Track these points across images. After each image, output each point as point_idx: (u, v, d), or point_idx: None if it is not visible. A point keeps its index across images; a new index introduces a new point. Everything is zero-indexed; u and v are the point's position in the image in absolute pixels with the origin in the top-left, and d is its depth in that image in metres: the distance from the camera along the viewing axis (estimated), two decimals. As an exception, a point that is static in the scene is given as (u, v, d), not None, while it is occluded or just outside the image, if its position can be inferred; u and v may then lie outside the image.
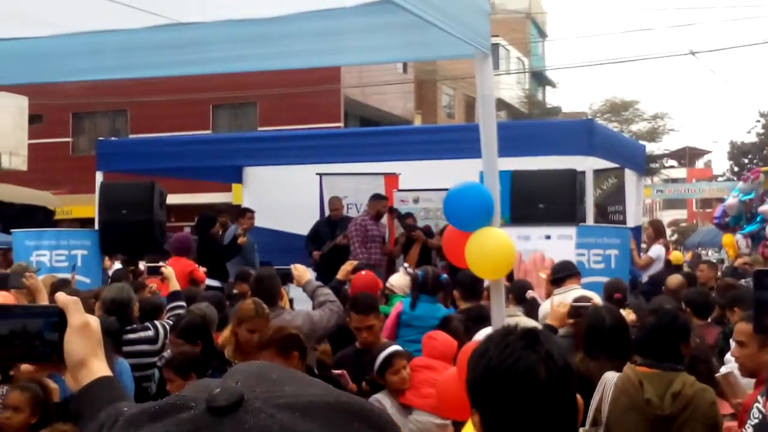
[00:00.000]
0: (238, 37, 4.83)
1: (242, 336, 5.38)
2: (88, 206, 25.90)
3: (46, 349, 1.66)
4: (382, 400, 5.33)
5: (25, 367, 1.65)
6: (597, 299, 6.44)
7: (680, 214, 72.14)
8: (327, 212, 12.70)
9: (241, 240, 11.60)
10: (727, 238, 12.72)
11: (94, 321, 1.69)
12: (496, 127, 4.35)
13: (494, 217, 4.25)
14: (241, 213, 12.42)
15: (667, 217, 61.64)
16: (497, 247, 4.14)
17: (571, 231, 8.91)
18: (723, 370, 4.67)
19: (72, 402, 1.67)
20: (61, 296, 1.69)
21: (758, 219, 12.26)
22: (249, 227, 11.98)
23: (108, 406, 1.60)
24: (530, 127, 12.19)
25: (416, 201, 12.87)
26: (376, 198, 11.87)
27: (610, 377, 4.08)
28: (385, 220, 12.18)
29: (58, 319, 1.65)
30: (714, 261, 23.81)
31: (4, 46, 5.03)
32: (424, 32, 4.27)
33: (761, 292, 3.33)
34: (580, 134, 9.65)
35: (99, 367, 1.67)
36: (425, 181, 12.58)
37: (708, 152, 78.92)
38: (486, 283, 7.27)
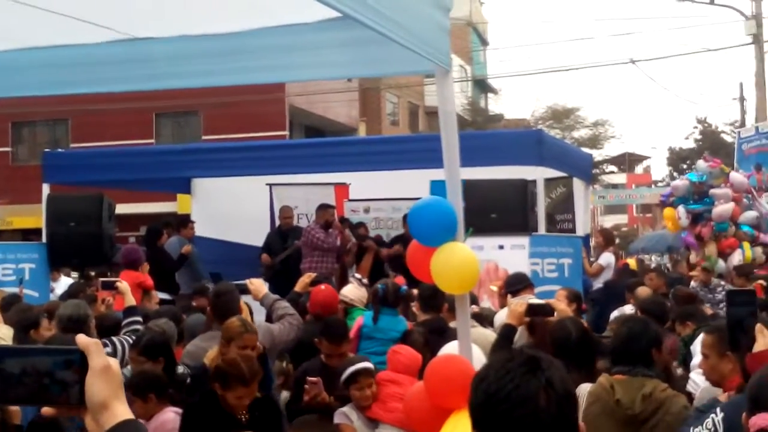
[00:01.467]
0: (195, 52, 4.80)
1: (234, 354, 5.28)
2: (29, 217, 25.64)
3: (56, 387, 1.63)
4: (348, 413, 5.35)
5: (45, 410, 1.63)
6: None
7: (621, 219, 73.13)
8: (278, 222, 12.67)
9: (185, 249, 11.55)
10: (668, 211, 12.86)
11: (114, 363, 1.67)
12: (458, 142, 4.39)
13: (458, 232, 4.29)
14: (182, 223, 12.39)
15: (608, 222, 62.44)
16: (463, 262, 4.18)
17: (524, 241, 9.01)
18: (695, 378, 4.79)
19: None
20: (82, 338, 1.67)
21: (707, 201, 12.45)
22: (191, 237, 11.98)
23: None
24: (481, 137, 12.31)
25: (367, 211, 12.91)
26: (322, 208, 11.90)
27: (584, 388, 4.15)
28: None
29: (78, 360, 1.64)
30: (658, 266, 24.25)
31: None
32: (383, 48, 4.29)
33: (734, 310, 3.43)
34: (530, 144, 9.77)
35: (121, 410, 1.65)
36: (375, 191, 12.65)
37: (647, 158, 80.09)
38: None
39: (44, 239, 10.99)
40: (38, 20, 4.52)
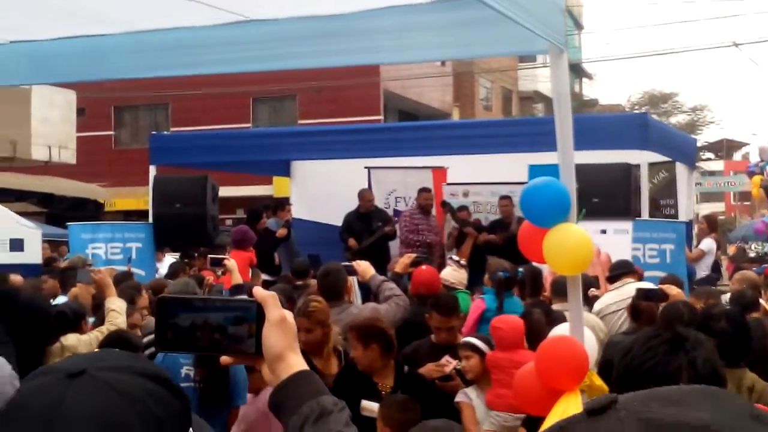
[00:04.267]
0: (309, 33, 4.84)
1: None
2: (132, 198, 26.32)
3: (229, 342, 1.69)
4: (469, 392, 5.41)
5: (224, 359, 1.70)
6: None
7: (718, 207, 71.31)
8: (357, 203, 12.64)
9: (279, 233, 11.72)
10: (756, 179, 12.28)
11: (290, 316, 1.72)
12: (571, 123, 4.36)
13: (571, 213, 4.26)
14: (280, 206, 12.59)
15: (704, 210, 60.93)
16: (576, 243, 4.14)
17: (627, 225, 8.89)
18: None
19: (272, 395, 1.69)
20: (259, 290, 1.73)
21: None
22: (289, 219, 12.14)
23: (310, 400, 1.64)
24: (585, 121, 12.11)
25: (466, 195, 12.88)
26: (420, 192, 11.99)
27: None
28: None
29: (255, 312, 1.69)
30: (758, 255, 23.58)
31: (76, 43, 5.11)
32: (496, 28, 4.28)
33: None
34: (635, 128, 9.64)
35: (297, 361, 1.69)
36: (473, 175, 12.61)
37: (746, 144, 77.90)
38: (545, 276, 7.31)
39: (150, 220, 11.25)
40: (150, 3, 4.64)
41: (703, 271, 11.69)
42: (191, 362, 5.44)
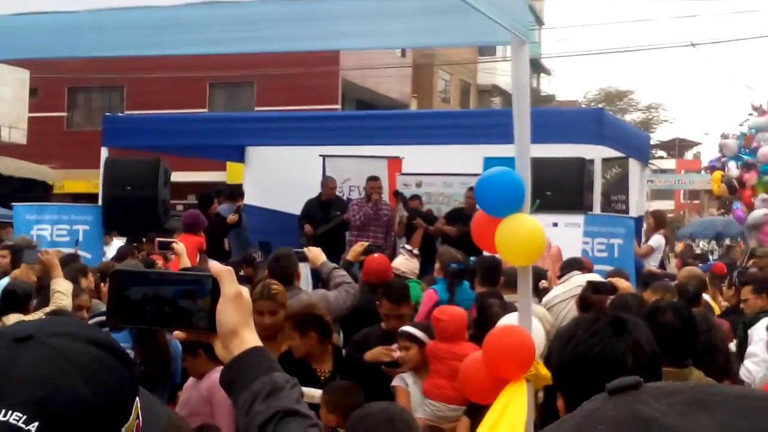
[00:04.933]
0: (279, 16, 4.77)
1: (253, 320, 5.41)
2: (82, 181, 25.96)
3: (178, 316, 1.66)
4: (406, 378, 5.41)
5: (177, 333, 1.68)
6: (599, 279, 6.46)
7: (668, 204, 72.26)
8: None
9: (231, 219, 11.68)
10: (716, 174, 12.52)
11: (245, 291, 1.70)
12: (529, 114, 4.36)
13: (524, 204, 4.26)
14: (234, 192, 12.55)
15: (654, 207, 61.73)
16: (528, 234, 4.15)
17: (578, 219, 8.94)
18: (749, 366, 4.69)
19: (224, 371, 1.67)
20: (215, 265, 1.70)
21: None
22: (241, 207, 12.18)
23: (262, 376, 1.62)
24: (541, 114, 12.14)
25: (419, 185, 12.89)
26: (367, 180, 11.99)
27: None
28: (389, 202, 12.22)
29: (210, 287, 1.66)
30: (704, 252, 23.95)
31: (31, 19, 5.00)
32: (460, 17, 4.27)
33: None
34: (590, 123, 9.69)
35: (251, 338, 1.67)
36: (428, 166, 12.61)
37: (698, 144, 79.03)
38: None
39: (100, 202, 11.09)
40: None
41: (650, 266, 11.80)
42: (130, 345, 5.40)
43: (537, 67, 52.36)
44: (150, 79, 27.89)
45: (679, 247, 26.23)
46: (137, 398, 1.35)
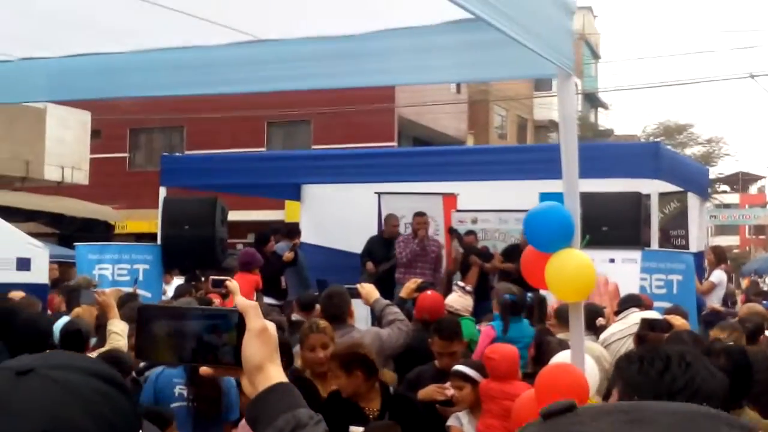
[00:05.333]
0: (319, 54, 4.85)
1: (305, 357, 5.46)
2: (144, 221, 26.37)
3: (203, 351, 1.67)
4: (461, 417, 5.36)
5: (204, 369, 1.67)
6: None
7: (733, 240, 71.03)
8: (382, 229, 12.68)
9: (287, 256, 11.72)
10: None
11: (271, 327, 1.70)
12: (577, 147, 4.31)
13: (575, 239, 4.20)
14: (292, 231, 12.62)
15: (719, 243, 60.65)
16: (578, 269, 4.09)
17: (635, 255, 8.81)
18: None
19: (249, 407, 1.66)
20: (241, 300, 1.70)
21: None
22: (298, 245, 12.21)
23: (286, 413, 1.60)
24: (596, 149, 12.05)
25: (474, 221, 12.82)
26: (414, 216, 11.94)
27: None
28: (443, 239, 12.19)
29: (236, 322, 1.66)
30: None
31: (88, 61, 5.12)
32: (506, 51, 4.26)
33: None
34: (647, 157, 9.57)
35: (276, 373, 1.67)
36: (483, 202, 12.55)
37: (762, 177, 77.72)
38: (551, 304, 7.24)
39: (159, 241, 11.23)
40: (160, 21, 4.64)
41: (714, 303, 11.57)
42: (184, 381, 5.43)
43: (594, 101, 52.08)
44: (209, 119, 28.33)
45: (744, 283, 25.71)
46: (140, 431, 1.35)
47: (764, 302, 11.83)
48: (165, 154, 13.44)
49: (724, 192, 64.78)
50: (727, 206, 57.71)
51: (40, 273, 10.69)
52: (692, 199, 11.72)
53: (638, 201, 9.14)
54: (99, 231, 19.73)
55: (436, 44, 4.53)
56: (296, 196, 14.00)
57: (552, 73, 4.28)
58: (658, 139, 42.69)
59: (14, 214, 16.75)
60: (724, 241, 66.66)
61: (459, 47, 4.51)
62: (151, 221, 23.95)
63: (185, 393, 5.43)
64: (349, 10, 4.49)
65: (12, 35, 4.95)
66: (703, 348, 4.19)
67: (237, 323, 1.66)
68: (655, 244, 9.54)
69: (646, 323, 5.24)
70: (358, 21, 4.50)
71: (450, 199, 12.98)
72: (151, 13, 4.44)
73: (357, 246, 12.54)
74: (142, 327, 1.70)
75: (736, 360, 3.89)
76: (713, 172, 47.35)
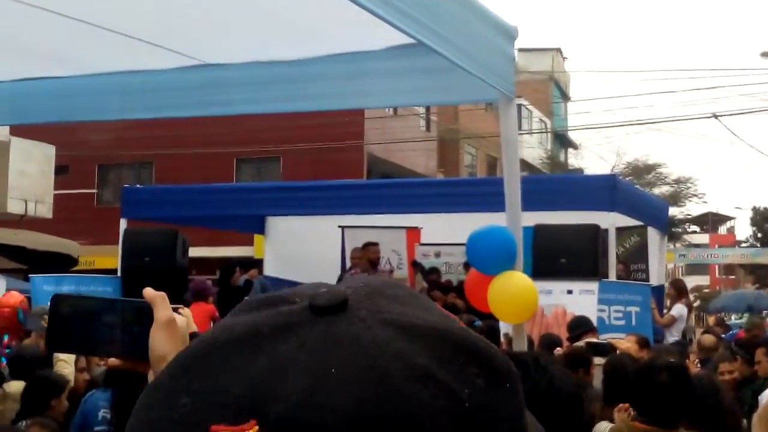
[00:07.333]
0: (264, 78, 4.88)
1: None
2: (111, 257, 26.09)
3: (112, 342, 1.64)
4: None
5: (111, 360, 1.63)
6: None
7: (703, 280, 71.46)
8: (348, 264, 12.68)
9: (250, 274, 12.03)
10: None
11: (180, 319, 1.63)
12: (519, 169, 4.36)
13: (517, 261, 4.23)
14: (251, 264, 12.85)
15: (689, 282, 60.66)
16: (520, 291, 4.11)
17: (593, 286, 8.85)
18: None
19: None
20: (149, 291, 1.67)
21: None
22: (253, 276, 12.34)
23: None
24: (553, 181, 12.17)
25: (438, 255, 12.85)
26: (365, 246, 11.85)
27: (602, 429, 3.95)
28: (407, 273, 12.18)
29: (144, 314, 1.62)
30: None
31: (33, 85, 5.11)
32: (447, 76, 4.31)
33: None
34: (603, 190, 9.66)
35: None
36: (447, 235, 12.56)
37: (731, 218, 78.43)
38: (503, 331, 7.23)
39: (119, 273, 11.16)
40: (108, 45, 4.65)
41: (673, 336, 11.60)
42: (109, 405, 5.38)
43: (564, 141, 52.47)
44: (178, 155, 28.26)
45: (710, 320, 25.89)
46: None
47: (723, 336, 11.91)
48: (126, 186, 13.37)
49: (694, 232, 65.28)
50: (696, 246, 58.13)
51: (-5, 304, 10.55)
52: (652, 234, 11.81)
53: (596, 233, 9.20)
54: (62, 265, 19.53)
55: (378, 69, 4.57)
56: (260, 230, 13.96)
57: (493, 97, 4.33)
58: (627, 179, 43.08)
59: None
60: (694, 281, 67.08)
61: (401, 72, 4.56)
62: (116, 256, 23.84)
63: (108, 416, 5.38)
64: (293, 35, 4.52)
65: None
66: (645, 364, 4.18)
67: (146, 315, 1.64)
68: (612, 276, 9.60)
69: (590, 346, 5.25)
70: (302, 46, 4.54)
71: (413, 232, 13.01)
72: (97, 37, 4.46)
73: (320, 279, 12.29)
74: (55, 316, 1.66)
75: (677, 377, 3.86)
76: (682, 212, 47.68)
